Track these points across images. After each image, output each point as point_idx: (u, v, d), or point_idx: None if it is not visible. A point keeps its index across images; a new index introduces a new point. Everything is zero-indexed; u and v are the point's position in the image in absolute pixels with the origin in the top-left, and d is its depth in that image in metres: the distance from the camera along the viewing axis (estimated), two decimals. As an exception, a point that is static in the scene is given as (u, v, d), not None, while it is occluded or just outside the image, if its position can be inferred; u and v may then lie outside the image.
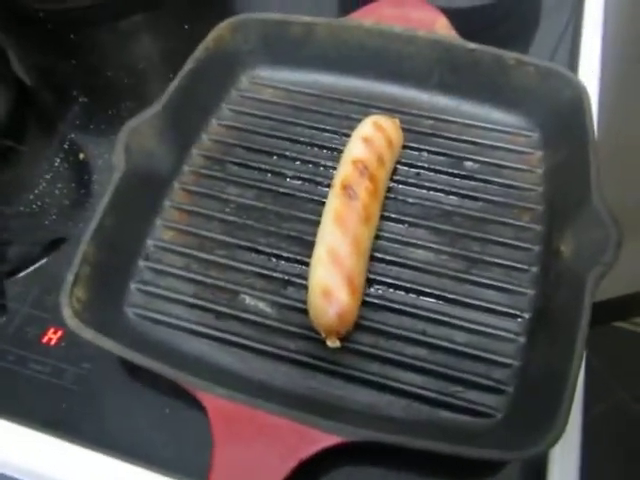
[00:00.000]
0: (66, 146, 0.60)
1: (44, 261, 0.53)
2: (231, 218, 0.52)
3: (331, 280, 0.43)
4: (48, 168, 0.58)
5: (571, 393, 0.38)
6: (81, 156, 0.59)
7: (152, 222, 0.52)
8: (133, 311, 0.48)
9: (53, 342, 0.48)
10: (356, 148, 0.50)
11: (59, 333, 0.48)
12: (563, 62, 0.63)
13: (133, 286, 0.49)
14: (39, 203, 0.56)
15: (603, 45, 0.65)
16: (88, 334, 0.41)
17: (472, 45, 0.56)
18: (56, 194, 0.57)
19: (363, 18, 0.59)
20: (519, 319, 0.47)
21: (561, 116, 0.54)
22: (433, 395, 0.43)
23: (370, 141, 0.50)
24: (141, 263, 0.50)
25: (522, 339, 0.45)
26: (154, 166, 0.52)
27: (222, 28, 0.58)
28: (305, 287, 0.47)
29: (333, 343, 0.43)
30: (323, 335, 0.43)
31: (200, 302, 0.48)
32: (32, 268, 0.52)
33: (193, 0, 0.75)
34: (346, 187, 0.47)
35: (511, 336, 0.46)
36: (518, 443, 0.38)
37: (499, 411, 0.43)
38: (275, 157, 0.56)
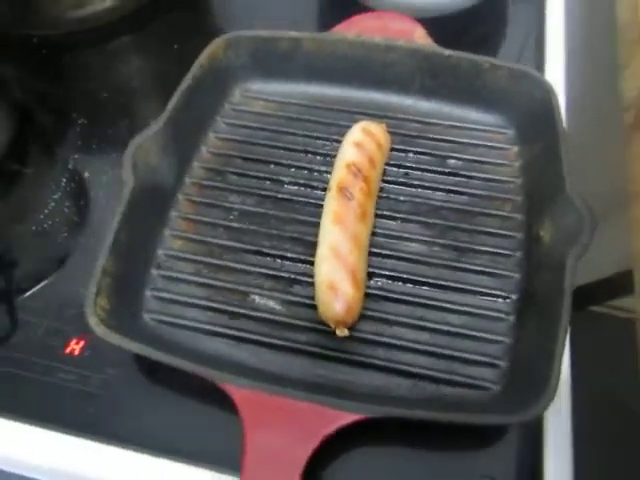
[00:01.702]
0: (70, 166, 0.63)
1: (58, 276, 0.56)
2: (235, 224, 0.56)
3: (336, 275, 0.47)
4: (55, 188, 0.61)
5: (559, 360, 0.42)
6: (85, 174, 0.62)
7: (161, 233, 0.55)
8: (150, 317, 0.51)
9: (76, 352, 0.51)
10: (348, 153, 0.54)
11: (81, 343, 0.51)
12: (530, 63, 0.69)
13: (148, 294, 0.52)
14: (50, 222, 0.58)
15: (566, 44, 0.71)
16: (115, 339, 0.44)
17: (448, 52, 0.61)
18: (65, 212, 0.59)
19: (346, 31, 0.63)
20: (507, 300, 0.51)
21: (533, 114, 0.59)
22: (436, 374, 0.48)
23: (361, 145, 0.55)
24: (154, 272, 0.53)
25: (511, 318, 0.50)
26: (159, 180, 0.55)
27: (215, 45, 0.62)
28: (311, 284, 0.51)
29: (342, 332, 0.47)
30: (332, 326, 0.47)
31: (213, 304, 0.51)
32: (47, 283, 0.55)
33: (176, 21, 0.78)
34: (342, 189, 0.51)
35: (501, 316, 0.50)
36: (515, 409, 0.42)
37: (496, 383, 0.47)
38: (272, 165, 0.60)
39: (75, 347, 0.51)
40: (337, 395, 0.43)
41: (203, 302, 0.51)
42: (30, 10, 0.72)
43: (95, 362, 0.50)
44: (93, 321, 0.45)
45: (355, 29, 0.63)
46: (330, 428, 0.39)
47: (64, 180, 0.61)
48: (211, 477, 0.45)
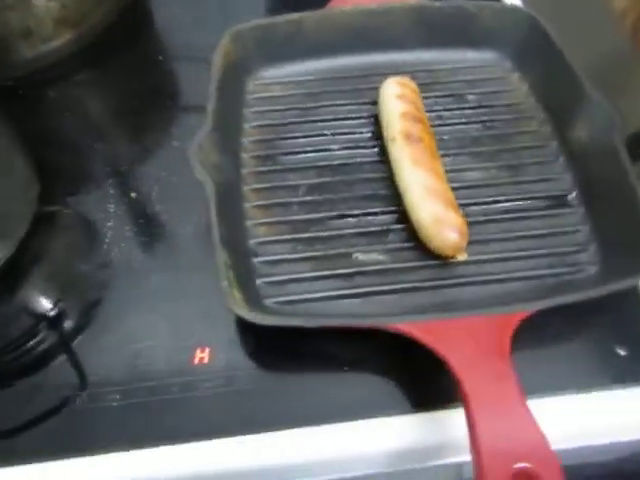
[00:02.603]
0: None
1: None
2: (307, 198, 0.57)
3: (438, 209, 0.51)
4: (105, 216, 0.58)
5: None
6: (133, 195, 0.60)
7: (244, 225, 0.55)
8: (271, 301, 0.51)
9: (206, 360, 0.49)
10: (396, 105, 0.58)
11: (207, 351, 0.50)
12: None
13: (259, 282, 0.52)
14: (115, 252, 0.56)
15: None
16: (271, 319, 0.44)
17: (438, 3, 0.67)
18: (126, 235, 0.57)
19: (342, 4, 0.66)
20: (569, 197, 0.58)
21: (522, 42, 0.67)
22: (541, 272, 0.53)
23: (404, 96, 0.58)
24: (254, 261, 0.53)
25: (581, 209, 0.57)
26: (224, 176, 0.55)
27: (224, 43, 0.62)
28: (403, 230, 0.55)
29: (463, 256, 0.51)
30: (450, 254, 0.51)
31: (323, 272, 0.52)
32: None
33: (129, 53, 0.76)
34: (408, 135, 0.55)
35: (572, 210, 0.57)
36: (617, 279, 0.49)
37: (592, 264, 0.53)
38: (314, 137, 0.62)
39: (202, 355, 0.50)
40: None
41: (313, 274, 0.52)
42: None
43: (230, 363, 0.49)
44: (243, 311, 0.44)
45: (351, 1, 0.66)
46: (511, 328, 0.43)
47: (112, 205, 0.59)
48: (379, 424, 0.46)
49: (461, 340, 0.43)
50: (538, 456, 0.38)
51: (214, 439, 0.45)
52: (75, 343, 0.51)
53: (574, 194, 0.58)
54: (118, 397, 0.47)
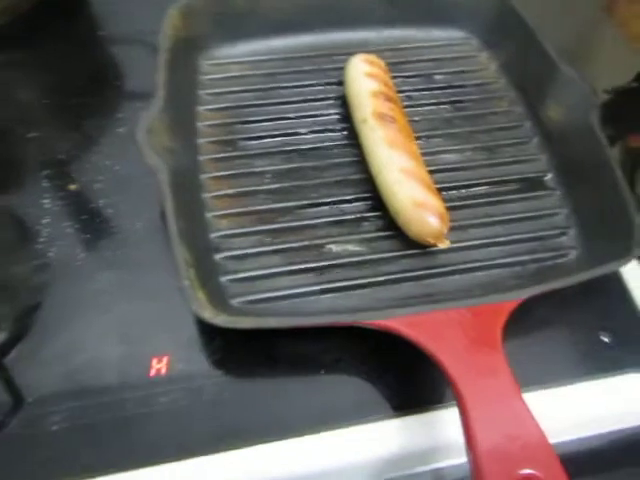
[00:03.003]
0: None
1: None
2: (274, 186, 0.52)
3: (417, 193, 0.47)
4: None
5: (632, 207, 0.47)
6: (72, 187, 0.53)
7: (204, 217, 0.49)
8: (238, 301, 0.45)
9: (164, 370, 0.44)
10: (366, 84, 0.54)
11: (164, 359, 0.44)
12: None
13: (224, 280, 0.46)
14: (53, 251, 0.49)
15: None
16: (245, 322, 0.39)
17: (401, -21, 0.63)
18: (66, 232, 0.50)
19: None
20: (546, 178, 0.55)
21: (490, 20, 0.64)
22: (522, 257, 0.50)
23: (373, 75, 0.54)
24: (217, 257, 0.47)
25: (558, 191, 0.54)
26: (178, 162, 0.49)
27: (171, 17, 0.56)
28: (378, 217, 0.51)
29: (445, 244, 0.47)
30: (431, 241, 0.47)
31: (294, 267, 0.48)
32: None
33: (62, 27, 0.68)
34: (381, 115, 0.51)
35: (549, 192, 0.54)
36: (601, 263, 0.47)
37: (574, 248, 0.51)
38: (279, 121, 0.57)
39: (160, 366, 0.44)
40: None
41: (283, 268, 0.47)
42: None
43: (193, 371, 0.44)
44: (208, 314, 0.39)
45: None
46: (502, 318, 0.40)
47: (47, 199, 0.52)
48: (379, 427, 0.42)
49: (449, 334, 0.40)
50: (542, 462, 0.35)
51: (177, 461, 0.39)
52: (8, 357, 0.44)
53: (550, 176, 0.55)
54: (60, 419, 0.40)
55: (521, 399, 0.37)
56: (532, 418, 0.36)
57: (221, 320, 0.39)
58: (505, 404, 0.37)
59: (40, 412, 0.41)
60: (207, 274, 0.44)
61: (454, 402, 0.38)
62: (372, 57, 0.57)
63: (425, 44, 0.65)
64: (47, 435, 0.40)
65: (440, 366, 0.39)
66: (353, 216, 0.51)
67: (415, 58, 0.63)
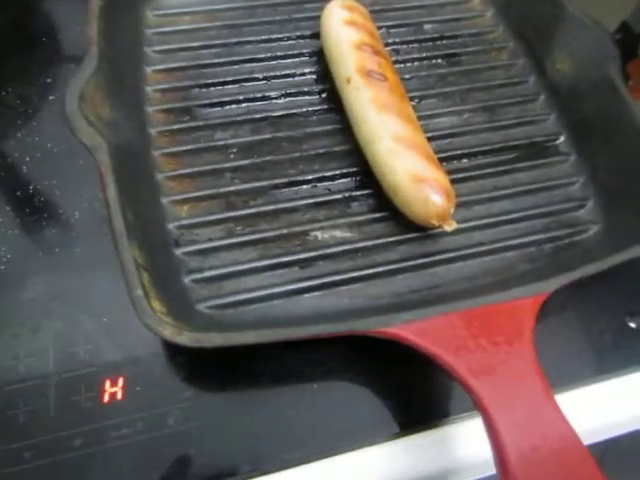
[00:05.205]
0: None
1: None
2: (242, 162, 0.44)
3: (416, 165, 0.39)
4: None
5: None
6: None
7: (158, 203, 0.40)
8: (205, 306, 0.37)
9: (119, 395, 0.36)
10: (347, 34, 0.45)
11: (119, 381, 0.36)
12: None
13: (187, 280, 0.38)
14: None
15: None
16: (216, 339, 0.31)
17: None
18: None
19: None
20: (557, 141, 0.48)
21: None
22: (536, 237, 0.43)
23: (355, 22, 0.45)
24: (177, 252, 0.39)
25: (572, 156, 0.47)
26: (121, 137, 0.40)
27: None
28: (370, 196, 0.43)
29: (451, 226, 0.39)
30: (435, 223, 0.39)
31: (273, 261, 0.40)
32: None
33: None
34: (368, 72, 0.42)
35: (562, 158, 0.47)
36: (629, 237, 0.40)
37: (594, 222, 0.44)
38: (244, 83, 0.48)
39: (115, 389, 0.36)
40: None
41: (259, 263, 0.39)
42: None
43: (155, 395, 0.36)
44: (168, 332, 0.31)
45: None
46: (532, 315, 0.33)
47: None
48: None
49: (467, 340, 0.32)
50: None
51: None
52: None
53: (561, 139, 0.48)
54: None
55: (556, 407, 0.31)
56: (569, 428, 0.30)
57: (186, 339, 0.31)
58: (537, 415, 0.31)
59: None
60: (165, 277, 0.36)
61: (462, 414, 0.31)
62: (351, 2, 0.48)
63: (410, -12, 0.56)
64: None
65: (457, 379, 0.32)
66: (339, 196, 0.43)
67: (400, 5, 0.54)
